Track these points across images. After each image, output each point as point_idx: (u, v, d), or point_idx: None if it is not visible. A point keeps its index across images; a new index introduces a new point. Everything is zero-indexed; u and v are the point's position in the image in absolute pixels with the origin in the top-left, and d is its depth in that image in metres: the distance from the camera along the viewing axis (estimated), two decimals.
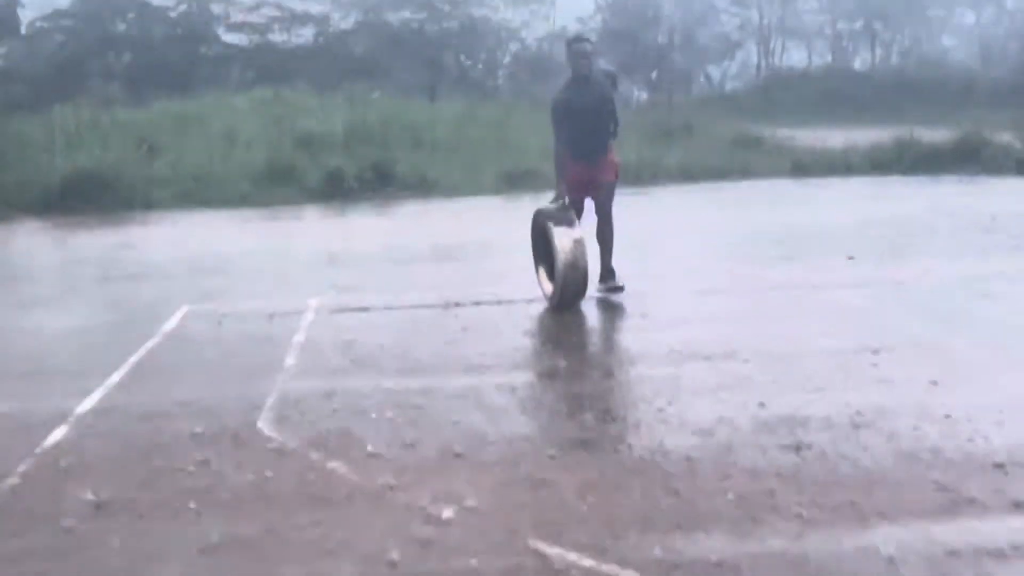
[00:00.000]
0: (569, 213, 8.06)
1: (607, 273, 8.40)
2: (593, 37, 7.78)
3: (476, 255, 11.16)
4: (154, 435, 5.34)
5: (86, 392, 6.09)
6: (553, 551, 3.83)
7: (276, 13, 46.41)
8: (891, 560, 3.69)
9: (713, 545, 3.85)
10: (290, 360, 6.77)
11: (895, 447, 4.77)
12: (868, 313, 7.63)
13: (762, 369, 6.10)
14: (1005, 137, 19.29)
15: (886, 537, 3.85)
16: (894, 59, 53.12)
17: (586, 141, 8.20)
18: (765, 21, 55.07)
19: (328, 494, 4.46)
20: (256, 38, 46.00)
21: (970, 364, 6.16)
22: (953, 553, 3.72)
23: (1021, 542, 3.80)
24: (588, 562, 3.74)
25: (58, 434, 5.39)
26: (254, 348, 7.21)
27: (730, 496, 4.28)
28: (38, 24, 43.76)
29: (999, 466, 4.48)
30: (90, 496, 4.53)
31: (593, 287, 8.20)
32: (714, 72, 57.90)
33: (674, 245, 11.07)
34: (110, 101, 29.02)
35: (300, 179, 17.77)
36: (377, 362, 6.66)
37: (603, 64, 8.14)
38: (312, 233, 14.01)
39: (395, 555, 3.85)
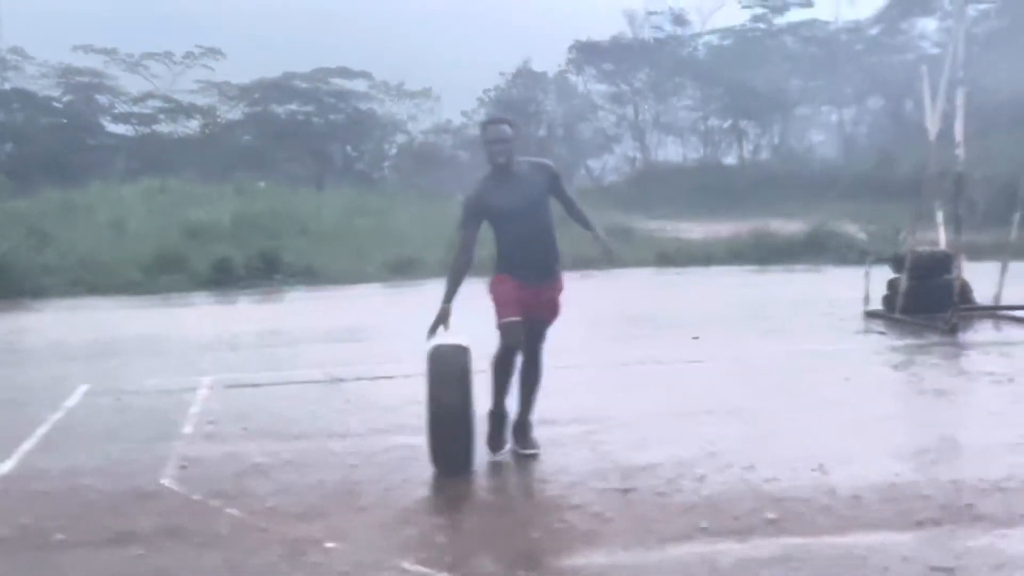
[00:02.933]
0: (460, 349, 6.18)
1: (523, 431, 6.66)
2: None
3: (359, 337, 12.01)
4: (70, 491, 6.07)
5: (3, 458, 6.76)
6: (414, 568, 4.71)
7: (162, 104, 46.95)
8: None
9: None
10: (187, 429, 7.54)
11: (698, 487, 5.77)
12: (701, 384, 8.72)
13: (602, 430, 7.09)
14: (851, 229, 20.95)
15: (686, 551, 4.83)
16: (763, 154, 55.83)
17: (523, 254, 6.36)
18: (641, 117, 57.40)
19: (229, 531, 5.28)
20: (142, 129, 46.47)
21: (777, 423, 7.24)
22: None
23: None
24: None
25: None
26: (153, 419, 7.95)
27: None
28: None
29: (778, 500, 5.50)
30: (9, 532, 5.27)
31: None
32: (594, 165, 60.09)
33: None
34: None
35: (189, 267, 18.46)
36: (266, 429, 7.47)
37: (531, 158, 6.49)
38: (203, 318, 14.70)
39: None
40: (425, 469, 6.20)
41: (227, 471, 6.37)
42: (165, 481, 6.19)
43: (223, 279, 17.84)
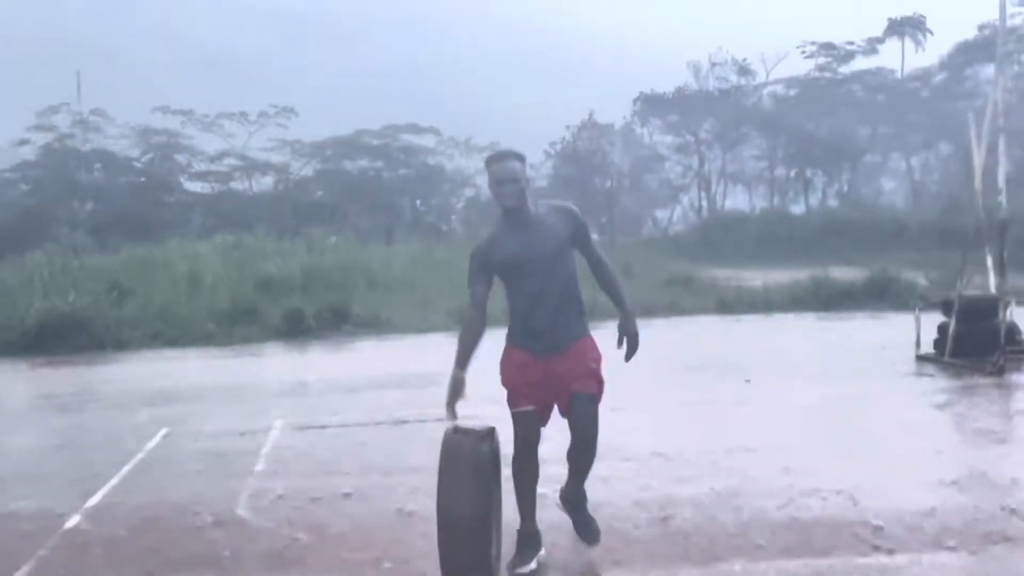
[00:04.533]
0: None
1: (576, 500, 5.62)
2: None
3: (422, 383, 12.50)
4: (153, 520, 6.61)
5: (90, 493, 7.34)
6: None
7: (237, 162, 48.39)
8: None
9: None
10: (260, 466, 8.06)
11: (735, 515, 6.15)
12: (745, 423, 9.08)
13: (650, 465, 7.49)
14: (912, 275, 21.09)
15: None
16: (831, 202, 55.81)
17: (532, 317, 5.36)
18: (706, 167, 57.79)
19: (297, 554, 5.77)
20: (218, 186, 47.90)
21: (817, 459, 7.58)
22: None
23: None
24: None
25: (72, 522, 6.64)
26: (228, 458, 8.49)
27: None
28: (6, 175, 45.23)
29: (807, 525, 5.86)
30: (99, 559, 5.80)
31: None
32: (661, 216, 60.52)
33: None
34: (77, 248, 30.41)
35: (262, 319, 19.14)
36: (332, 466, 7.97)
37: (552, 200, 5.51)
38: (274, 367, 15.30)
39: None
40: None
41: (295, 503, 6.86)
42: (240, 512, 6.70)
43: (294, 330, 18.47)
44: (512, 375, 5.40)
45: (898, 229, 40.80)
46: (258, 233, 35.07)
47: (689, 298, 21.07)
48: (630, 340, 5.50)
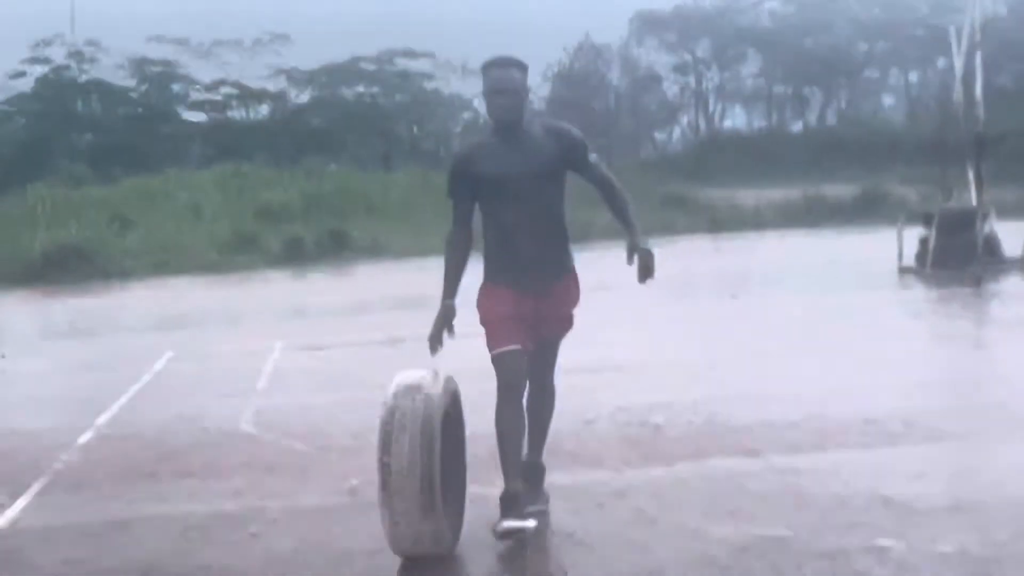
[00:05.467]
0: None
1: (530, 475, 4.84)
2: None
3: (419, 304, 12.83)
4: (161, 435, 6.99)
5: (101, 412, 7.72)
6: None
7: (234, 91, 48.24)
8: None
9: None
10: (262, 384, 8.45)
11: (718, 418, 6.53)
12: (730, 336, 9.46)
13: (635, 375, 7.89)
14: (903, 191, 21.35)
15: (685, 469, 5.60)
16: (829, 119, 55.71)
17: (518, 249, 4.74)
18: (704, 86, 57.57)
19: (296, 461, 6.16)
20: (215, 116, 47.82)
21: (788, 366, 7.96)
22: None
23: None
24: None
25: (85, 438, 7.03)
26: (232, 378, 8.87)
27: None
28: (3, 108, 45.16)
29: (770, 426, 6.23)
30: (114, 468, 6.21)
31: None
32: (660, 136, 60.41)
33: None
34: (78, 179, 30.57)
35: (262, 246, 19.49)
36: (331, 383, 8.36)
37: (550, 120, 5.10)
38: (275, 293, 15.69)
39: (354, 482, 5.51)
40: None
41: (295, 416, 7.24)
42: (243, 426, 7.08)
43: (294, 256, 18.83)
44: (490, 308, 4.74)
45: (894, 145, 40.81)
46: (257, 162, 35.22)
47: (683, 218, 21.35)
48: (642, 258, 4.69)
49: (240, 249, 19.49)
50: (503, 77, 4.71)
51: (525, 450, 4.84)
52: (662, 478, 5.44)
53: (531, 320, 4.70)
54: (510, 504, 4.54)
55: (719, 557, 4.21)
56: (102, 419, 7.53)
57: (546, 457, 5.04)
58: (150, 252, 19.32)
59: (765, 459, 5.60)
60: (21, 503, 5.60)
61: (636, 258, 4.70)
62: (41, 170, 32.99)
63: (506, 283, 4.73)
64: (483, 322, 4.76)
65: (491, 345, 4.68)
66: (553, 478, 5.09)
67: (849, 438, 5.94)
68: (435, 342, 4.72)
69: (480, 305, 4.80)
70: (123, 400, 8.12)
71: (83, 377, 9.51)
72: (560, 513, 4.92)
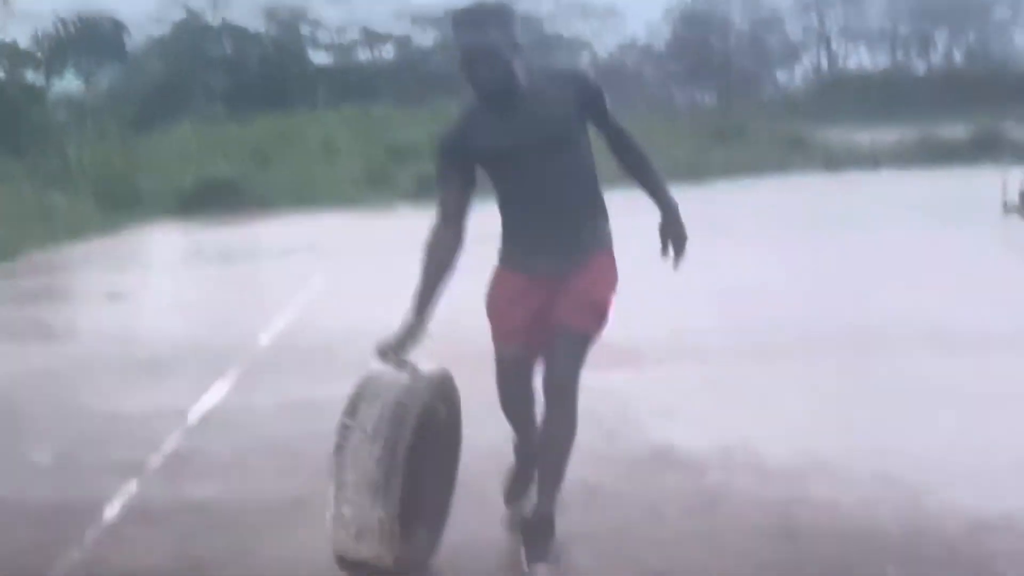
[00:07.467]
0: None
1: (536, 532, 3.82)
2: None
3: None
4: (326, 344, 8.14)
5: (271, 320, 8.95)
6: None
7: (358, 36, 49.62)
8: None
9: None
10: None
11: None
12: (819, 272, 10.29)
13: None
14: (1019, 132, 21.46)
15: None
16: (957, 59, 54.77)
17: (534, 223, 3.99)
18: (827, 25, 56.99)
19: None
20: (342, 58, 49.29)
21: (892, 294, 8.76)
22: None
23: None
24: None
25: (264, 338, 8.26)
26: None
27: None
28: (142, 51, 47.30)
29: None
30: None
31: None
32: (782, 76, 60.00)
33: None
34: (214, 119, 32.26)
35: (394, 184, 20.68)
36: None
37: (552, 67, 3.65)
38: (408, 227, 16.78)
39: None
40: None
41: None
42: None
43: (424, 193, 19.89)
44: (497, 300, 4.10)
45: (1021, 86, 40.13)
46: (382, 103, 36.41)
47: (797, 157, 21.85)
48: (676, 243, 4.02)
49: (373, 186, 20.70)
50: (476, 44, 3.78)
51: (532, 498, 3.98)
52: None
53: (546, 310, 3.92)
54: (535, 531, 3.80)
55: None
56: (278, 326, 8.74)
57: None
58: (291, 187, 20.65)
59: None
60: (224, 385, 6.86)
61: (671, 244, 4.03)
62: (179, 111, 34.79)
63: (517, 267, 4.06)
64: (488, 314, 4.14)
65: (493, 341, 4.12)
66: None
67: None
68: (386, 351, 3.85)
69: (488, 294, 4.17)
70: (291, 312, 9.34)
71: (252, 291, 11.02)
72: None
